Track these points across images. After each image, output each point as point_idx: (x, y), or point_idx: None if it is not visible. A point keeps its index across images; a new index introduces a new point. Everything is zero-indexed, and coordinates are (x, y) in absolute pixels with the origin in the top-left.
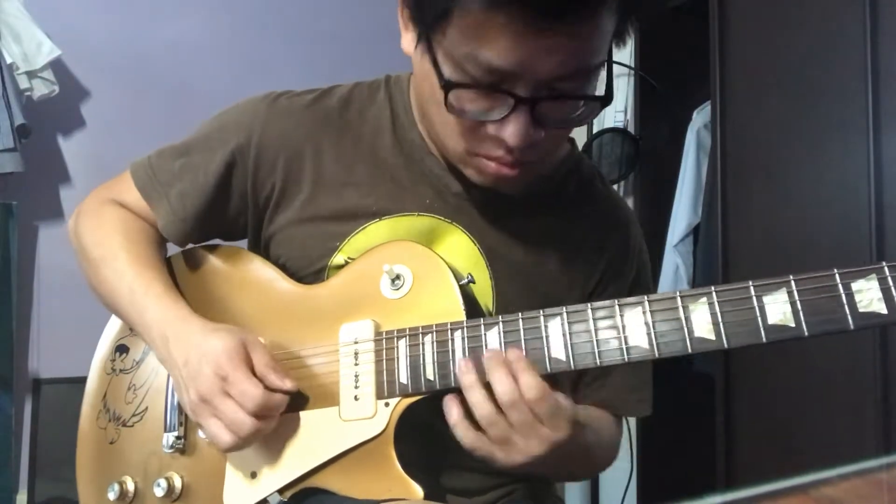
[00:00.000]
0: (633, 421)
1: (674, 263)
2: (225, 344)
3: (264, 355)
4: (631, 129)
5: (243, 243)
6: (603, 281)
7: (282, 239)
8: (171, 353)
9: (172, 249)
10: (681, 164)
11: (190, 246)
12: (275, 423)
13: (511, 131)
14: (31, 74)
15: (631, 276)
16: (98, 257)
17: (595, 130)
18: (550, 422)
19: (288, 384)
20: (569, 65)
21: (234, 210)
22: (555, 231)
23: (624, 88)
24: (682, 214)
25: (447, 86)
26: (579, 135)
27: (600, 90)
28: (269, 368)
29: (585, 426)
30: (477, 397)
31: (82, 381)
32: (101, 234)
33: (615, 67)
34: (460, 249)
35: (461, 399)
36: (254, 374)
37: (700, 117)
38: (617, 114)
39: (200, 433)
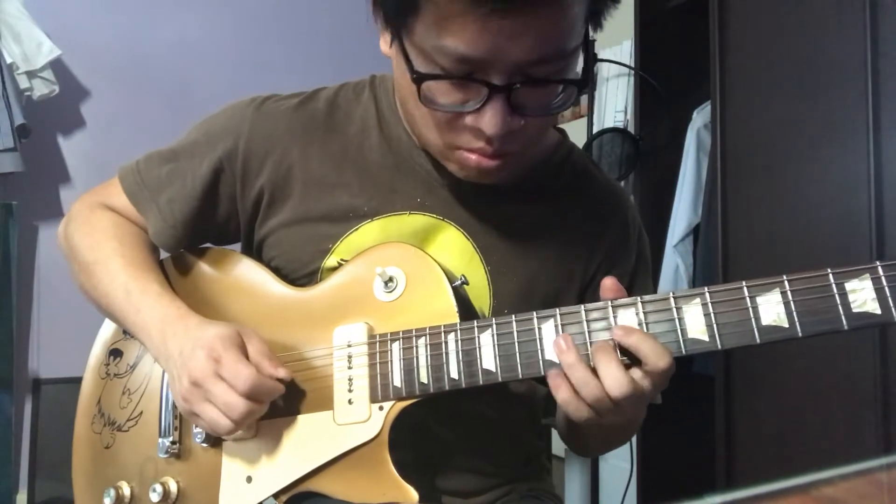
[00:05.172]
0: None
1: (674, 263)
2: (220, 331)
3: (259, 343)
4: (631, 129)
5: (236, 246)
6: (603, 267)
7: (274, 241)
8: (167, 347)
9: (164, 253)
10: (681, 164)
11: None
12: (266, 408)
13: (488, 121)
14: (31, 74)
15: (633, 259)
16: (92, 261)
17: (595, 130)
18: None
19: (281, 372)
20: (540, 48)
21: (223, 215)
22: (550, 220)
23: (624, 88)
24: (682, 214)
25: (418, 78)
26: (579, 135)
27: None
28: (263, 356)
29: None
30: (580, 375)
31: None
32: (94, 239)
33: (614, 67)
34: (454, 246)
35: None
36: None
37: (700, 117)
38: (617, 114)
39: (196, 436)
